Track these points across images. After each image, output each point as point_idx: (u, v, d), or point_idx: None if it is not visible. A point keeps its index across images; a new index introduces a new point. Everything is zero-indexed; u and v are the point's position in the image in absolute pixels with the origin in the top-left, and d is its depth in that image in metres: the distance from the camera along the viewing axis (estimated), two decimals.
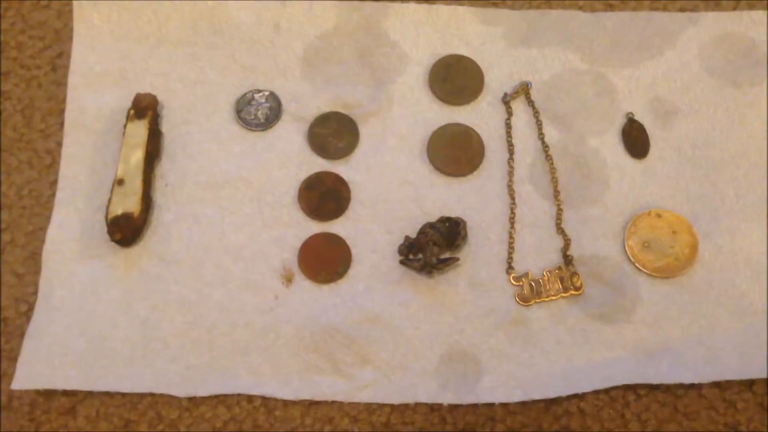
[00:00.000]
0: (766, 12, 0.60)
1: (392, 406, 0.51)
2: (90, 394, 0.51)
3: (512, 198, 0.56)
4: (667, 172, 0.56)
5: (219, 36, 0.59)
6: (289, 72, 0.59)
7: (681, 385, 0.51)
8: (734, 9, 0.61)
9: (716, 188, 0.56)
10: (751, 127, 0.57)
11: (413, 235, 0.54)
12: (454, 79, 0.59)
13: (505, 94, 0.58)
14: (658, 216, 0.55)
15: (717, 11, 0.61)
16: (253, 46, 0.59)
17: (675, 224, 0.54)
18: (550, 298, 0.53)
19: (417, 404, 0.51)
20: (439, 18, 0.60)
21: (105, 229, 0.53)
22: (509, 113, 0.58)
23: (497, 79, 0.59)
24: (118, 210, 0.53)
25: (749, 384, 0.51)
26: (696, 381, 0.50)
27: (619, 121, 0.58)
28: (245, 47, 0.59)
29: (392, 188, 0.56)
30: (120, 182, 0.53)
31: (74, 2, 0.59)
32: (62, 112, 0.57)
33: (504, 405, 0.51)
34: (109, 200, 0.53)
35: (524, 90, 0.58)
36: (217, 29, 0.59)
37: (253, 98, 0.57)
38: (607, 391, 0.51)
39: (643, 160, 0.57)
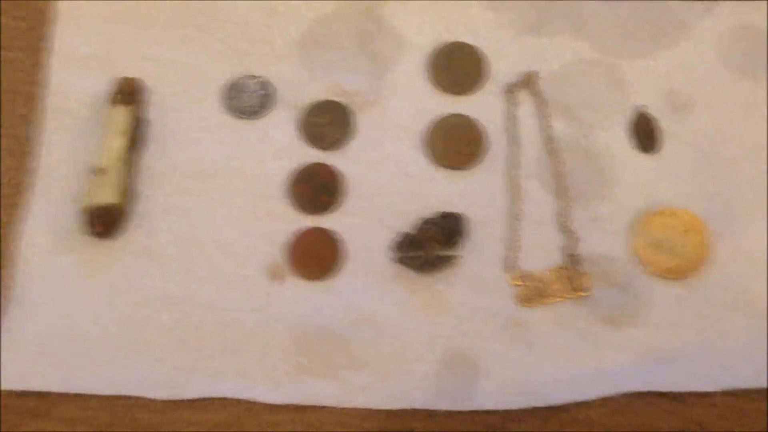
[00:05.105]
0: None
1: (387, 412, 0.50)
2: (64, 397, 0.49)
3: (516, 193, 0.54)
4: (680, 168, 0.55)
5: (211, 18, 0.58)
6: (284, 58, 0.57)
7: (693, 393, 0.50)
8: None
9: (733, 186, 0.55)
10: None
11: (411, 231, 0.52)
12: (457, 67, 0.57)
13: (511, 84, 0.57)
14: (671, 214, 0.54)
15: (735, 0, 0.59)
16: (247, 29, 0.58)
17: (688, 223, 0.53)
18: (555, 300, 0.52)
19: (413, 410, 0.50)
20: (443, 3, 0.59)
21: (84, 220, 0.51)
22: (514, 104, 0.57)
23: (503, 68, 0.57)
24: (97, 200, 0.51)
25: (765, 393, 0.50)
26: (709, 389, 0.50)
27: (631, 114, 0.56)
28: (238, 30, 0.57)
29: (390, 181, 0.54)
30: (100, 171, 0.52)
31: None
32: (44, 96, 0.55)
33: (505, 412, 0.50)
34: (88, 190, 0.52)
35: (531, 80, 0.57)
36: (209, 11, 0.58)
37: (245, 85, 0.56)
38: (615, 398, 0.50)
39: (656, 156, 0.55)
